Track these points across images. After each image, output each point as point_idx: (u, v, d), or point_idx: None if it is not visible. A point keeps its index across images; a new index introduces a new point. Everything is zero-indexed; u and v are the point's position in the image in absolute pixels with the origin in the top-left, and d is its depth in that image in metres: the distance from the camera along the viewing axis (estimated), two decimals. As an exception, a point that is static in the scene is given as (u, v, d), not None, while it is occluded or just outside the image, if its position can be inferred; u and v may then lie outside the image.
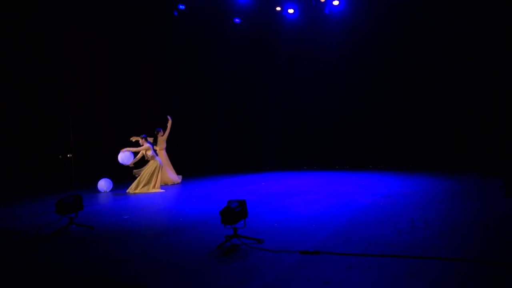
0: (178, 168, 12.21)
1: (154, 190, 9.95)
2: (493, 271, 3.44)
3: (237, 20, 15.08)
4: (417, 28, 13.42)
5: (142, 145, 10.12)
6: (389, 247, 4.23)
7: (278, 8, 14.51)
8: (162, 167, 10.34)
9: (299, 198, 7.98)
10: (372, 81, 14.45)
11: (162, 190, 10.04)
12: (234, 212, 4.41)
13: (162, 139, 11.43)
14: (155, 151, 10.49)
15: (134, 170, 10.19)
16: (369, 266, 3.65)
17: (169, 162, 11.59)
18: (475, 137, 12.17)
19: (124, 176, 11.55)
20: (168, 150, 11.75)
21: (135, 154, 10.27)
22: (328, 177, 11.81)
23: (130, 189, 9.97)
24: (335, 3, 13.77)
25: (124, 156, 10.02)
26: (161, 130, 11.44)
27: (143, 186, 9.95)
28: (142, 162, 10.34)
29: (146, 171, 10.08)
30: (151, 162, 10.16)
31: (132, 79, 14.44)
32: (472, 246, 4.14)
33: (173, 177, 11.51)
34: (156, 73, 15.09)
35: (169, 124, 11.60)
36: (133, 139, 10.36)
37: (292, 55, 15.44)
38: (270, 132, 15.98)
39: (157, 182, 10.08)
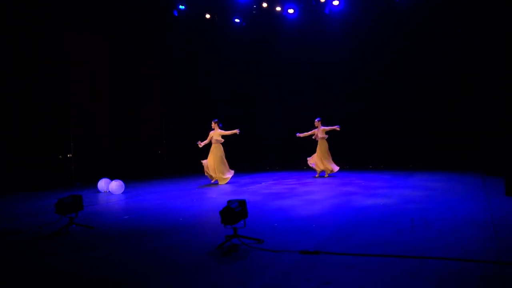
0: (178, 167, 12.21)
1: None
2: (493, 271, 3.43)
3: (237, 20, 15.09)
4: (417, 28, 13.43)
5: (216, 129, 11.12)
6: (389, 247, 4.22)
7: (278, 8, 14.51)
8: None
9: (299, 198, 7.97)
10: (372, 80, 14.45)
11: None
12: (234, 212, 4.41)
13: (322, 129, 11.97)
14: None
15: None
16: (369, 266, 3.65)
17: (328, 152, 11.96)
18: (475, 137, 12.16)
19: (123, 176, 11.55)
20: (169, 148, 11.80)
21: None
22: (328, 177, 11.81)
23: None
24: (335, 3, 13.78)
25: (115, 186, 9.87)
26: (320, 120, 12.07)
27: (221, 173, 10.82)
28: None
29: (220, 159, 10.92)
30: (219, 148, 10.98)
31: (132, 79, 14.43)
32: (472, 246, 4.13)
33: (333, 166, 11.97)
34: (156, 73, 15.09)
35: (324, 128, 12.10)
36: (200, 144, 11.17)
37: (292, 55, 15.45)
38: (271, 132, 15.98)
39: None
